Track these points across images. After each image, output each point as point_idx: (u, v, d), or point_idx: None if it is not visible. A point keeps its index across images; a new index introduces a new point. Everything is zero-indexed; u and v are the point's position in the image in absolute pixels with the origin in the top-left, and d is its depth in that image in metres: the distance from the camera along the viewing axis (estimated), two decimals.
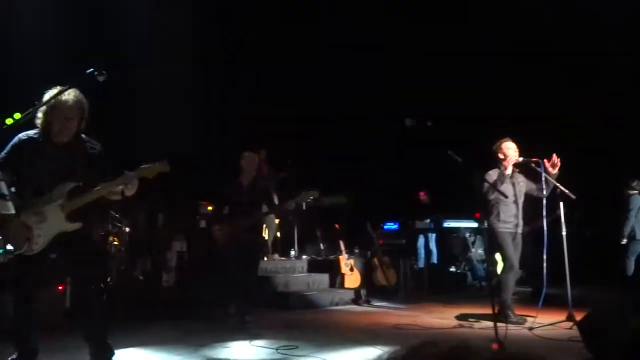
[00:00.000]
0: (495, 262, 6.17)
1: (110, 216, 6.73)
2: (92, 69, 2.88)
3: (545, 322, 4.81)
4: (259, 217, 5.50)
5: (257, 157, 5.49)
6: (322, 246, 8.19)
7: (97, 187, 3.16)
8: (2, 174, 2.60)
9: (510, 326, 4.58)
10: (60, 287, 5.09)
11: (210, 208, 7.07)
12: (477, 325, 4.95)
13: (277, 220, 8.17)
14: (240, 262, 5.17)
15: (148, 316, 5.59)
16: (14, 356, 3.18)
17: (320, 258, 7.97)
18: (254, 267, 5.37)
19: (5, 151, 3.11)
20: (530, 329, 4.67)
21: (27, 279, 3.19)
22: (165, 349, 4.14)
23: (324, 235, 8.17)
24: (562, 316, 4.89)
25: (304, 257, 8.23)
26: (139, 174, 3.20)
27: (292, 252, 8.38)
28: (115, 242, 6.84)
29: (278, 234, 8.41)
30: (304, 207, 7.57)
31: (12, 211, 2.78)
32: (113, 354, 3.27)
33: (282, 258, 8.15)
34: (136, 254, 7.29)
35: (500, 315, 4.67)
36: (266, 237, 7.96)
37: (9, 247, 3.18)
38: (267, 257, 7.78)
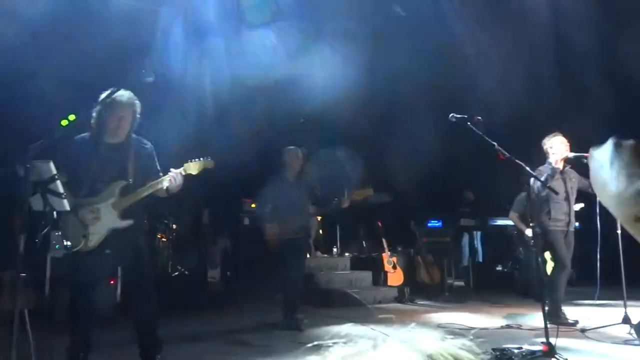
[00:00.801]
0: (545, 262, 5.97)
1: (158, 213, 6.93)
2: (142, 71, 2.96)
3: (599, 324, 4.61)
4: (310, 214, 5.32)
5: (300, 152, 5.35)
6: (364, 244, 8.15)
7: (146, 185, 3.28)
8: (58, 173, 2.72)
9: (562, 327, 4.42)
10: (112, 282, 5.29)
11: (253, 205, 7.15)
12: (525, 326, 4.80)
13: (318, 218, 8.20)
14: (291, 260, 5.08)
15: (195, 311, 5.74)
16: (69, 346, 3.34)
17: (362, 255, 7.94)
18: (302, 266, 5.31)
19: (61, 152, 3.25)
20: (583, 330, 4.49)
21: (83, 274, 3.34)
22: (214, 343, 4.23)
23: (367, 232, 8.12)
24: (617, 317, 4.68)
25: (347, 254, 8.21)
26: (184, 171, 3.29)
27: (335, 250, 8.38)
28: (163, 239, 7.05)
29: (320, 231, 8.44)
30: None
31: (67, 208, 2.90)
32: (162, 347, 3.36)
33: (324, 255, 8.17)
34: (182, 250, 7.49)
35: (550, 316, 4.52)
36: None
37: (66, 243, 3.33)
38: (310, 255, 7.82)
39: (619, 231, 5.14)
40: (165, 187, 3.29)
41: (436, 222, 8.51)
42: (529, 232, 6.80)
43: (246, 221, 7.12)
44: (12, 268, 4.72)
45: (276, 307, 5.27)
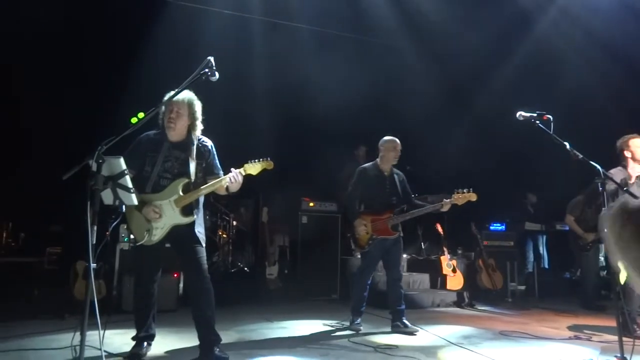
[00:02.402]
0: (618, 270, 5.60)
1: (219, 210, 7.12)
2: (206, 70, 3.03)
3: None
4: (405, 212, 4.85)
5: (398, 142, 4.91)
6: (423, 245, 7.98)
7: (207, 184, 3.39)
8: (128, 170, 2.84)
9: (638, 342, 4.13)
10: (175, 275, 5.49)
11: (312, 204, 7.19)
12: (595, 338, 4.52)
13: None
14: (392, 263, 4.85)
15: (253, 307, 5.84)
16: (134, 335, 3.49)
17: (421, 257, 7.78)
18: (401, 268, 5.02)
19: (129, 149, 3.40)
20: None
21: (147, 267, 3.49)
22: (268, 339, 4.29)
23: (426, 234, 7.95)
24: None
25: (405, 255, 8.07)
26: (244, 171, 3.38)
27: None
28: (223, 235, 7.24)
29: None
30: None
31: (136, 203, 3.03)
32: (220, 340, 3.44)
33: None
34: (242, 247, 7.66)
35: (624, 329, 4.23)
36: None
37: (131, 236, 3.50)
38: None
39: None
40: (225, 186, 3.38)
41: (499, 225, 8.21)
42: (589, 236, 6.45)
43: (304, 219, 7.17)
44: (84, 259, 5.04)
45: (332, 307, 5.28)
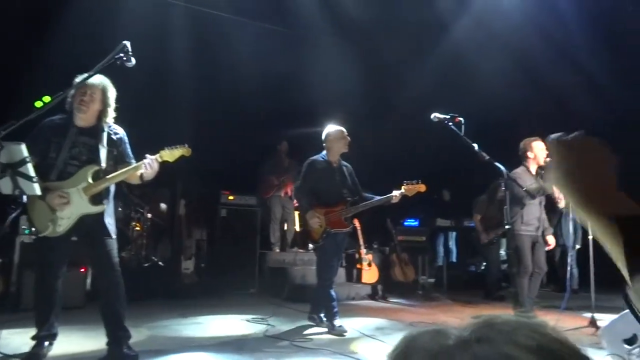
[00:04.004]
0: (515, 264, 6.07)
1: (132, 201, 6.82)
2: (121, 55, 2.89)
3: (567, 327, 4.71)
4: (361, 205, 4.66)
5: (345, 131, 4.74)
6: None
7: (118, 171, 3.23)
8: (30, 157, 2.64)
9: None
10: (82, 269, 5.19)
11: (231, 198, 7.10)
12: None
13: (296, 213, 8.17)
14: (334, 257, 4.70)
15: (166, 301, 5.68)
16: (34, 335, 3.26)
17: (316, 253, 7.94)
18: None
19: (31, 135, 3.16)
20: None
21: (51, 261, 3.26)
22: (183, 335, 4.19)
23: None
24: (584, 321, 4.80)
25: (310, 246, 8.18)
26: (160, 158, 3.24)
27: (310, 245, 8.36)
28: (137, 228, 6.94)
29: (297, 227, 8.41)
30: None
31: (38, 192, 2.83)
32: (129, 337, 3.31)
33: (301, 250, 8.15)
34: (157, 240, 7.40)
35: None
36: (285, 228, 7.99)
37: (33, 228, 3.25)
38: (287, 250, 7.81)
39: (590, 237, 5.26)
40: (139, 174, 3.23)
41: (413, 221, 8.58)
42: (483, 237, 7.00)
43: (223, 213, 7.06)
44: None
45: (250, 301, 5.26)
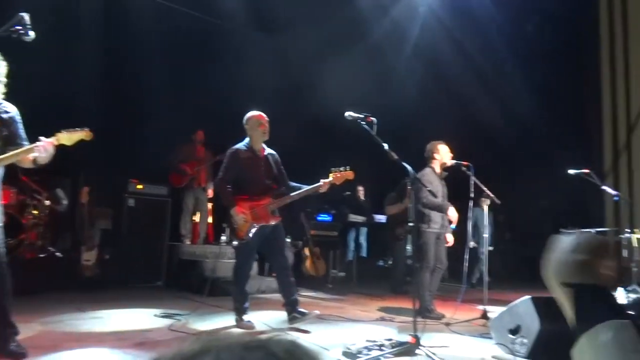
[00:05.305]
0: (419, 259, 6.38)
1: (28, 188, 6.32)
2: (18, 27, 2.67)
3: (462, 319, 5.04)
4: (288, 196, 4.45)
5: (262, 119, 4.49)
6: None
7: (7, 153, 2.97)
8: None
9: (429, 321, 4.76)
10: None
11: (140, 187, 6.80)
12: (398, 318, 5.10)
13: (210, 204, 8.02)
14: (276, 250, 4.47)
15: (61, 295, 5.35)
16: None
17: (239, 247, 7.89)
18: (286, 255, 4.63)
19: None
20: (448, 324, 4.87)
21: None
22: (80, 331, 3.96)
23: None
24: (477, 313, 5.16)
25: (235, 242, 8.10)
26: (57, 141, 3.01)
27: (223, 237, 8.24)
28: (33, 216, 6.43)
29: (210, 218, 8.25)
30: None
31: None
32: (17, 332, 3.08)
33: (213, 243, 8.02)
34: (56, 230, 6.91)
35: (420, 310, 4.85)
36: (197, 220, 7.81)
37: None
38: (197, 242, 7.64)
39: (485, 235, 5.68)
40: (32, 157, 2.99)
41: (326, 216, 8.73)
42: (399, 230, 7.38)
43: (131, 202, 6.75)
44: None
45: (156, 294, 5.09)
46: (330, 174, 4.32)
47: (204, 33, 8.07)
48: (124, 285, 6.26)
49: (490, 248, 8.31)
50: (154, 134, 7.25)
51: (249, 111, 4.57)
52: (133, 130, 7.42)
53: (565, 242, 1.30)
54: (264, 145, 4.54)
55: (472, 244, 7.48)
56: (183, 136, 7.59)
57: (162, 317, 4.61)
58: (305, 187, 4.43)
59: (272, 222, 4.39)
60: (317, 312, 4.35)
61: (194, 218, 7.78)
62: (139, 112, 7.49)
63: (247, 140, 4.51)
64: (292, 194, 4.43)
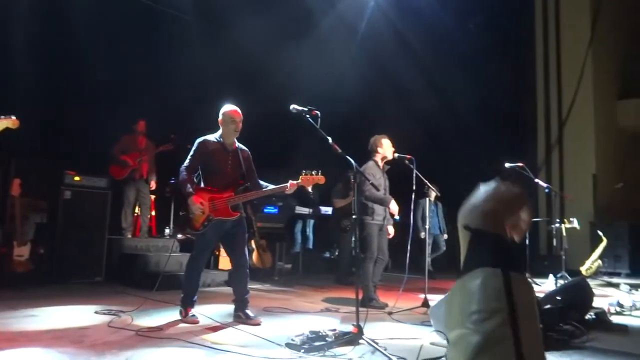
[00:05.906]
0: (362, 250, 6.52)
1: None
2: None
3: (404, 307, 5.19)
4: (251, 193, 4.33)
5: (235, 114, 4.38)
6: None
7: None
8: None
9: (372, 310, 4.88)
10: None
11: (77, 179, 6.53)
12: (342, 309, 5.18)
13: (152, 197, 7.83)
14: (235, 247, 4.40)
15: None
16: None
17: (194, 238, 7.77)
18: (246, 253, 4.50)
19: None
20: (390, 313, 5.00)
21: None
22: (11, 330, 3.78)
23: None
24: (419, 302, 5.33)
25: (179, 236, 7.95)
26: None
27: (167, 231, 8.08)
28: None
29: (153, 212, 8.08)
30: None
31: None
32: None
33: (156, 236, 7.85)
34: None
35: (364, 300, 4.95)
36: (137, 213, 7.62)
37: None
38: (140, 235, 7.46)
39: (427, 226, 5.86)
40: None
41: (272, 208, 8.71)
42: (345, 222, 7.56)
43: (67, 195, 6.46)
44: None
45: (95, 290, 4.92)
46: (300, 176, 4.24)
47: (148, 21, 7.82)
48: (61, 282, 6.01)
49: (445, 236, 8.70)
50: (93, 124, 6.98)
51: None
52: (71, 119, 7.11)
53: (482, 191, 1.36)
54: (236, 140, 4.46)
55: (422, 234, 7.74)
56: (124, 126, 7.34)
57: (103, 314, 4.46)
58: (270, 187, 4.38)
59: (232, 218, 4.30)
60: (260, 322, 4.32)
61: (135, 211, 7.58)
62: (78, 101, 7.19)
63: (219, 132, 4.43)
64: (254, 192, 4.35)
